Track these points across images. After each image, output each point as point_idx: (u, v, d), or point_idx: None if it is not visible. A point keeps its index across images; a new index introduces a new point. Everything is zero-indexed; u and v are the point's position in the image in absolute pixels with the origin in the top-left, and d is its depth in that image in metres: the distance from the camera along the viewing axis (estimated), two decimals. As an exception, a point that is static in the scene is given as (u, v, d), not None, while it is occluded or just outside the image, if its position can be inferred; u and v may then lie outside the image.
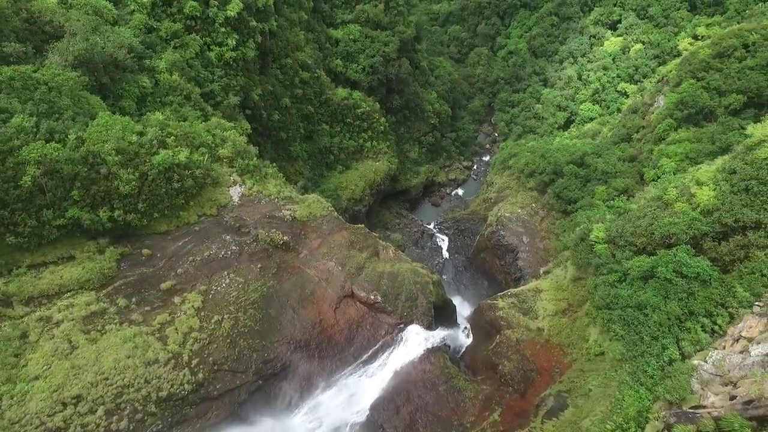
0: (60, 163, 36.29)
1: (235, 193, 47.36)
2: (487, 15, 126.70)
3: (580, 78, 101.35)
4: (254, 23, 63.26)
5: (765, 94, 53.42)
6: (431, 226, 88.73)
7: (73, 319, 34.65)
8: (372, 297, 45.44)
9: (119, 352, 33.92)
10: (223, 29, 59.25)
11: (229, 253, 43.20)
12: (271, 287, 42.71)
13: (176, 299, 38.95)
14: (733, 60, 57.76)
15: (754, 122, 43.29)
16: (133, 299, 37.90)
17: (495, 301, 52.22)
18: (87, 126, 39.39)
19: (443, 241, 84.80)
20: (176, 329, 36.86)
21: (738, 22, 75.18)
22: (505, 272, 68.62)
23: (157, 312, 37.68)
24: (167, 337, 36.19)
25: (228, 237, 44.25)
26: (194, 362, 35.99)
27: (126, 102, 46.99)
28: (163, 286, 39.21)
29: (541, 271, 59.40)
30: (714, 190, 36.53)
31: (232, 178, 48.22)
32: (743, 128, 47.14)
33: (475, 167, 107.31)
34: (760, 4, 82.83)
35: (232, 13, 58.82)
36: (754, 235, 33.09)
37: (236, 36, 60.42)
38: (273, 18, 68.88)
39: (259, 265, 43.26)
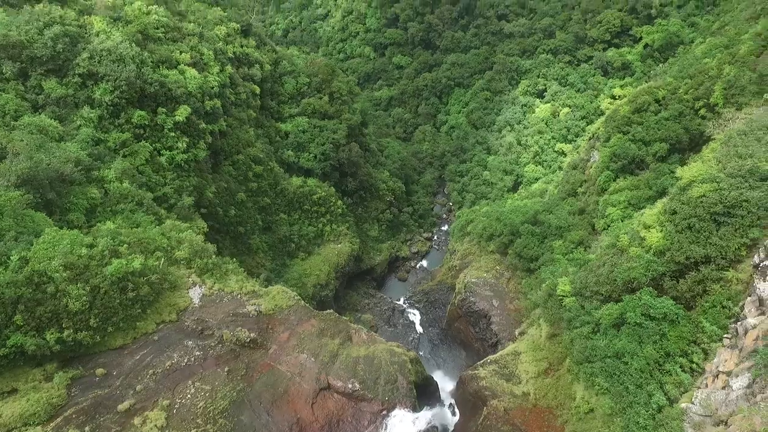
0: (1, 288, 34.00)
1: (195, 294, 45.50)
2: (425, 96, 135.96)
3: (519, 143, 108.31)
4: (204, 125, 64.85)
5: (684, 140, 58.59)
6: (401, 302, 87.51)
7: (16, 463, 30.66)
8: (350, 386, 43.16)
9: (72, 494, 29.91)
10: (172, 134, 60.24)
11: (193, 359, 40.51)
12: (241, 391, 39.90)
13: (136, 420, 35.49)
14: (650, 113, 63.74)
15: (681, 165, 47.00)
16: (87, 428, 34.17)
17: (476, 371, 50.75)
18: (31, 245, 37.64)
19: (415, 316, 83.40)
20: (138, 455, 33.23)
21: (645, 82, 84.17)
22: (480, 339, 67.56)
23: (114, 439, 34.03)
24: (128, 467, 32.46)
25: (190, 342, 41.73)
26: (160, 491, 32.13)
27: (74, 215, 45.65)
28: (121, 407, 35.81)
29: (517, 333, 58.94)
30: (661, 231, 38.48)
31: (191, 279, 46.54)
32: (673, 172, 50.97)
33: (435, 238, 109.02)
34: (660, 65, 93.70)
35: (180, 118, 60.22)
36: (706, 270, 34.56)
37: (186, 139, 61.44)
38: (222, 119, 71.02)
39: (226, 369, 40.63)
